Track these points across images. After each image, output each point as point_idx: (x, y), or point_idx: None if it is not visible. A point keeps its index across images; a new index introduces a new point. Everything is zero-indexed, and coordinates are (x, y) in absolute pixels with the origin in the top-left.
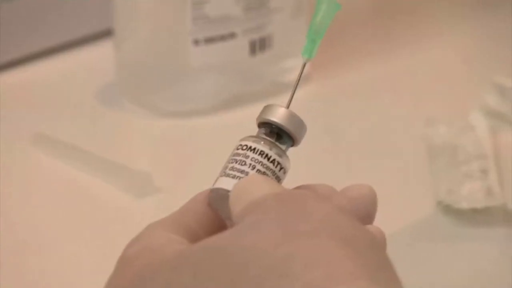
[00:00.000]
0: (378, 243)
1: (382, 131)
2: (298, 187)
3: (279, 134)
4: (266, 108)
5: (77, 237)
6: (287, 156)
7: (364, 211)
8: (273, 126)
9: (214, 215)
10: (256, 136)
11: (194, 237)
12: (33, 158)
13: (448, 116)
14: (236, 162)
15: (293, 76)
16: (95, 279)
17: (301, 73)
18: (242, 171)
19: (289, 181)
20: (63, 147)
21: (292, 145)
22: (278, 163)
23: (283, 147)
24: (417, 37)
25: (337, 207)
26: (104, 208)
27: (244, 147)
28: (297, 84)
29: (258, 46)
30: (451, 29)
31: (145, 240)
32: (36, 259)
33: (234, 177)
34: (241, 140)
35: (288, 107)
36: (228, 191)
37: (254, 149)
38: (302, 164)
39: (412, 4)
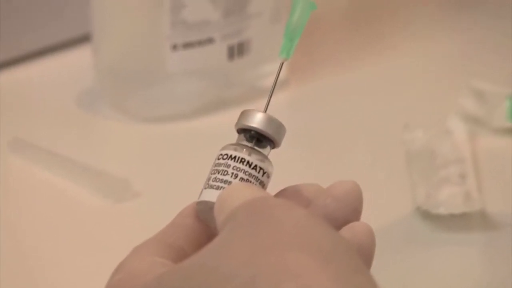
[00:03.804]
0: (353, 248)
1: (360, 135)
2: (284, 189)
3: (259, 139)
4: (244, 114)
5: (56, 242)
6: (269, 160)
7: (350, 207)
8: (252, 131)
9: (202, 228)
10: (236, 144)
11: (181, 255)
12: (11, 163)
13: (426, 120)
14: (218, 173)
15: (271, 81)
16: (74, 284)
17: (279, 73)
18: (225, 181)
19: (274, 184)
20: (41, 152)
21: (273, 148)
22: (261, 168)
23: (264, 151)
24: (394, 42)
25: (310, 213)
26: (82, 213)
27: (225, 156)
28: (275, 85)
29: (236, 51)
30: (428, 34)
31: (129, 266)
32: (13, 264)
33: (217, 188)
34: (221, 149)
35: (265, 110)
36: (213, 203)
37: (235, 157)
38: (284, 167)
39: (389, 9)
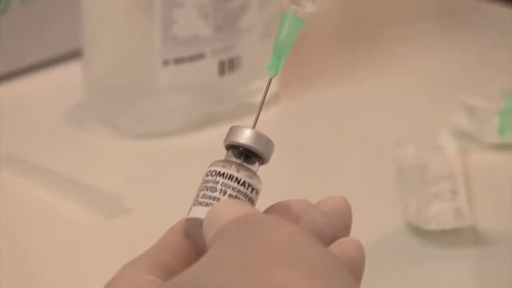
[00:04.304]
0: (342, 264)
1: (351, 151)
2: (273, 205)
3: (247, 155)
4: (232, 130)
5: (47, 258)
6: (257, 176)
7: (340, 223)
8: (241, 147)
9: (191, 245)
10: (224, 160)
11: (170, 273)
12: (2, 179)
13: (417, 136)
14: (207, 189)
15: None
16: None
17: (267, 89)
18: (214, 198)
19: (263, 200)
20: (32, 168)
21: (261, 164)
22: (249, 184)
23: (252, 167)
24: (384, 58)
25: (299, 229)
26: (73, 228)
27: (214, 173)
28: (263, 101)
29: (227, 66)
30: (419, 50)
31: (119, 284)
32: (4, 278)
33: (206, 204)
34: (210, 165)
35: (254, 126)
36: (202, 219)
37: (223, 173)
38: (273, 183)
39: (380, 25)
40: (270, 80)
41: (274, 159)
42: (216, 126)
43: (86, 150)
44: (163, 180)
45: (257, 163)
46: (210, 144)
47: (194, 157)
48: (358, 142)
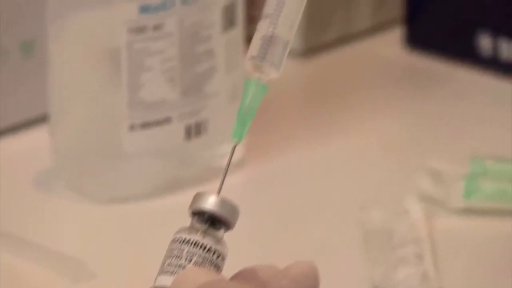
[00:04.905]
0: None
1: (316, 216)
2: (240, 271)
3: (213, 221)
4: (197, 197)
5: None
6: (223, 242)
7: None
8: (206, 214)
9: None
10: (190, 227)
11: None
12: None
13: (383, 200)
14: (172, 257)
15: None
16: None
17: (231, 156)
18: (179, 265)
19: (229, 266)
20: None
21: (227, 230)
22: (215, 251)
23: (218, 233)
24: (351, 121)
25: None
26: None
27: (179, 240)
28: (227, 167)
29: (194, 130)
30: (384, 113)
31: None
32: None
33: (172, 272)
34: (176, 233)
35: (219, 192)
36: None
37: (189, 241)
38: (240, 248)
39: (343, 90)
40: (235, 146)
41: (240, 224)
42: (183, 190)
43: (53, 215)
44: (129, 246)
45: (222, 229)
46: (178, 208)
47: (161, 222)
48: (324, 206)
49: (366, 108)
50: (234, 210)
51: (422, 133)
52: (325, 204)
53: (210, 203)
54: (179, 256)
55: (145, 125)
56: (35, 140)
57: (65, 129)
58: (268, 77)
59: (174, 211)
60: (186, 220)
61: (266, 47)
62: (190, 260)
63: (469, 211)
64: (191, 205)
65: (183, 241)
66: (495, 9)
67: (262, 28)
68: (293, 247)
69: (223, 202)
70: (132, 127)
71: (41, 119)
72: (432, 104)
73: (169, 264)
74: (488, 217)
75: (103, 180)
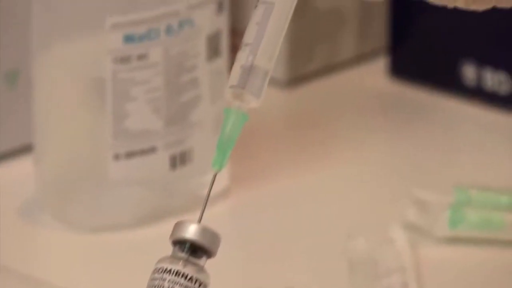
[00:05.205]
0: None
1: (301, 244)
2: None
3: (194, 250)
4: (177, 226)
5: None
6: (205, 271)
7: None
8: (187, 242)
9: None
10: (171, 256)
11: None
12: None
13: (368, 229)
14: (154, 287)
15: (213, 190)
16: None
17: (212, 184)
18: None
19: None
20: None
21: (209, 258)
22: (197, 279)
23: (199, 262)
24: (334, 151)
25: None
26: None
27: (160, 270)
28: (208, 196)
29: (179, 160)
30: (369, 143)
31: None
32: None
33: None
34: (157, 262)
35: (199, 221)
36: None
37: (170, 270)
38: (223, 277)
39: (329, 117)
40: (215, 175)
41: (225, 253)
42: (168, 219)
43: (38, 244)
44: (115, 275)
45: (204, 257)
46: (163, 238)
47: (146, 252)
48: (309, 235)
49: (351, 137)
50: (215, 238)
51: (407, 162)
52: (310, 232)
53: (190, 231)
54: (161, 286)
55: (130, 155)
56: (20, 170)
57: (49, 158)
58: (249, 105)
59: (159, 240)
60: (171, 249)
61: (246, 77)
62: None
63: (454, 240)
64: (172, 234)
65: (165, 270)
66: (479, 39)
67: (242, 58)
68: (278, 276)
69: (204, 231)
70: (117, 157)
71: (25, 149)
72: (416, 133)
73: None
74: (473, 246)
75: (88, 209)
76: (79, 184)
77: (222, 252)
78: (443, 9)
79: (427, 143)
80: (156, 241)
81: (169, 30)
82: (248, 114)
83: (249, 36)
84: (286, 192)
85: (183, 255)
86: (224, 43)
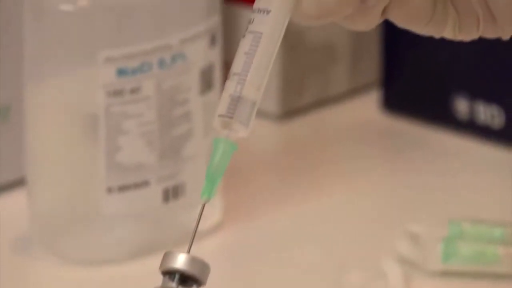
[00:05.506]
0: None
1: (295, 278)
2: None
3: (183, 279)
4: (166, 256)
5: None
6: None
7: None
8: (176, 272)
9: None
10: (161, 287)
11: None
12: None
13: (361, 263)
14: None
15: (206, 224)
16: None
17: (201, 214)
18: None
19: None
20: None
21: (199, 287)
22: None
23: None
24: (328, 182)
25: None
26: None
27: None
28: (197, 225)
29: (172, 193)
30: (361, 176)
31: None
32: None
33: None
34: None
35: (189, 251)
36: None
37: None
38: None
39: (321, 151)
40: (204, 205)
41: (217, 283)
42: (160, 252)
43: (30, 278)
44: None
45: (194, 287)
46: (155, 271)
47: (139, 285)
48: (301, 268)
49: (343, 170)
50: (204, 267)
51: (399, 196)
52: (303, 266)
53: (179, 261)
54: None
55: (123, 188)
56: (14, 203)
57: (42, 192)
58: (237, 135)
59: (152, 273)
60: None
61: (234, 106)
62: None
63: (447, 274)
64: (161, 265)
65: None
66: (471, 72)
67: (230, 87)
68: None
69: (193, 260)
70: (109, 190)
71: (18, 183)
72: (409, 166)
73: None
74: (466, 279)
75: (81, 243)
76: (72, 217)
77: (214, 285)
78: (434, 43)
79: (420, 177)
80: (148, 275)
81: (162, 63)
82: (237, 144)
83: (237, 66)
84: (278, 225)
85: (173, 285)
86: (217, 76)
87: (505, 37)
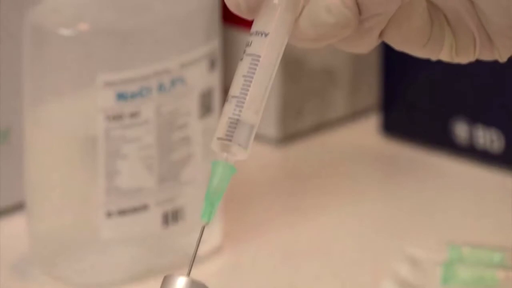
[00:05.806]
0: None
1: None
2: None
3: None
4: (166, 280)
5: None
6: None
7: None
8: None
9: None
10: None
11: None
12: None
13: (361, 285)
14: None
15: (206, 248)
16: None
17: (200, 237)
18: None
19: None
20: None
21: None
22: None
23: None
24: (328, 205)
25: None
26: None
27: None
28: (197, 248)
29: (171, 217)
30: (361, 200)
31: None
32: None
33: None
34: None
35: (188, 274)
36: None
37: None
38: None
39: (320, 175)
40: (203, 227)
41: None
42: (159, 276)
43: None
44: None
45: None
46: None
47: None
48: None
49: (342, 194)
50: None
51: (399, 220)
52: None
53: (179, 285)
54: None
55: (122, 212)
56: (14, 226)
57: (41, 216)
58: (236, 157)
59: None
60: None
61: (232, 129)
62: None
63: None
64: None
65: None
66: (471, 97)
67: (229, 110)
68: None
69: (193, 283)
70: (109, 214)
71: (17, 207)
72: (409, 190)
73: None
74: None
75: (80, 267)
76: (71, 241)
77: None
78: (434, 67)
79: (419, 200)
80: None
81: (161, 88)
82: (236, 167)
83: (235, 89)
84: (278, 249)
85: None
86: (216, 100)
87: (502, 59)
